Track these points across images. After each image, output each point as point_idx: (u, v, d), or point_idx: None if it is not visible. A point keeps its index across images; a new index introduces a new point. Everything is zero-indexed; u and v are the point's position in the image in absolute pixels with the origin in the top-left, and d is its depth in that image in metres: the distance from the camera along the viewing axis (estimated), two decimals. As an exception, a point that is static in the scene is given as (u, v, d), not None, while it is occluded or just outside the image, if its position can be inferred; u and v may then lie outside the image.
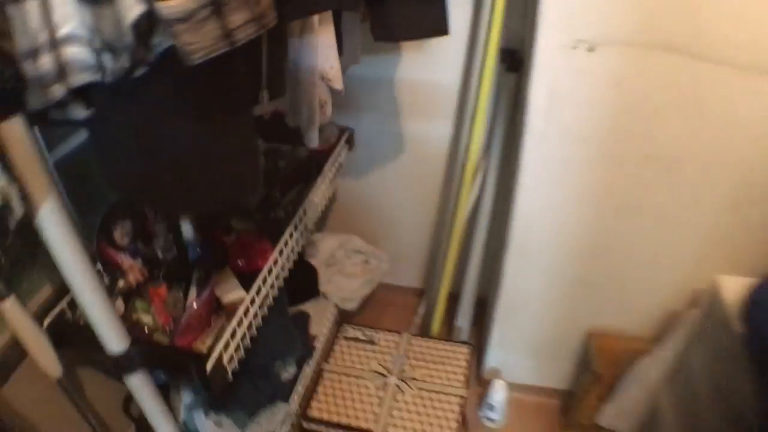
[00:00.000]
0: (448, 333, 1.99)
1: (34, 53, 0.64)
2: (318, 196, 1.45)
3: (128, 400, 1.41)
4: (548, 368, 1.83)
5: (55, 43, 0.65)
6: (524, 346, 1.80)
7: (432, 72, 1.66)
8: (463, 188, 1.67)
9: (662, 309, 1.57)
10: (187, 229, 1.25)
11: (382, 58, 1.67)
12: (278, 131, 1.42)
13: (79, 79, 0.67)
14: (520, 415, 1.86)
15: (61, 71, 0.66)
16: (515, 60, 1.48)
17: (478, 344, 1.95)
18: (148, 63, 0.63)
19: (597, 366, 1.65)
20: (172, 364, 1.04)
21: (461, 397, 1.61)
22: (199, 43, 0.55)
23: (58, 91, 0.67)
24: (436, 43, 1.58)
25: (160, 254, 1.24)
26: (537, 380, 1.87)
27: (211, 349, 1.01)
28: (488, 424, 1.82)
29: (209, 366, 0.97)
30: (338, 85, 1.01)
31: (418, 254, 2.15)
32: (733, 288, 1.19)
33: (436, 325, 1.94)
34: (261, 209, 1.37)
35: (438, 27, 1.07)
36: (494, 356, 1.85)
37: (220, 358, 1.01)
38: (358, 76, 1.65)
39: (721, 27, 1.14)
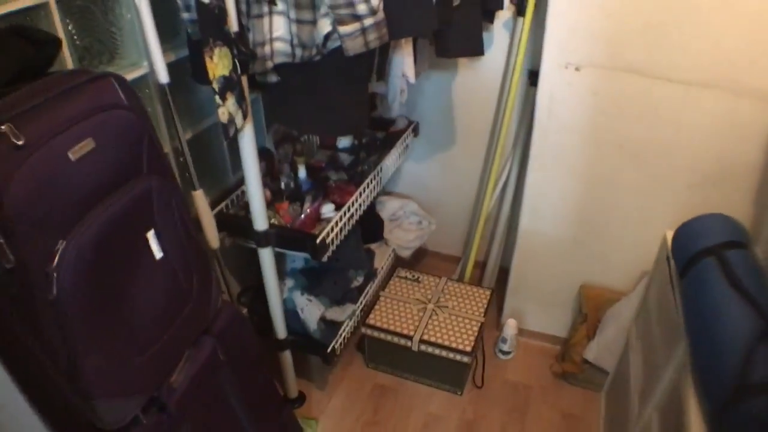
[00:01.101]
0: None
1: (262, 44, 1.28)
2: (390, 161, 2.06)
3: (241, 293, 2.02)
4: (551, 316, 2.32)
5: (271, 40, 1.28)
6: (532, 296, 2.30)
7: (478, 86, 2.24)
8: (493, 172, 2.24)
9: (636, 266, 2.04)
10: (302, 171, 1.89)
11: (444, 76, 2.27)
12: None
13: (279, 60, 1.31)
14: (526, 353, 2.36)
15: (271, 55, 1.30)
16: (535, 77, 2.03)
17: (498, 300, 2.46)
18: (322, 54, 1.26)
19: (585, 308, 2.15)
20: (294, 241, 1.64)
21: (480, 321, 2.15)
22: (353, 47, 1.17)
23: (268, 64, 1.30)
24: (482, 65, 2.16)
25: (283, 186, 1.87)
26: (542, 327, 2.37)
27: (318, 233, 1.62)
28: (501, 356, 2.33)
29: (318, 241, 1.59)
30: (412, 80, 1.62)
31: (458, 228, 2.69)
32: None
33: (468, 276, 2.49)
34: (351, 165, 1.99)
35: (477, 50, 1.67)
36: (510, 304, 2.36)
37: (323, 239, 1.61)
38: (428, 87, 2.26)
39: (671, 54, 1.66)
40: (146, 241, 1.09)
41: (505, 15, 2.04)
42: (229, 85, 1.26)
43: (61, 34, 1.26)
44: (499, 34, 2.09)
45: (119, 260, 1.03)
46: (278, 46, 1.29)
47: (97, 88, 1.06)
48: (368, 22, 1.15)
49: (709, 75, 1.66)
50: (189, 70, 1.56)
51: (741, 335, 0.99)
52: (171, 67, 1.49)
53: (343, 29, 1.16)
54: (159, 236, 1.11)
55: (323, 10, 1.19)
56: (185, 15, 1.38)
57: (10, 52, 1.05)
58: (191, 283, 1.24)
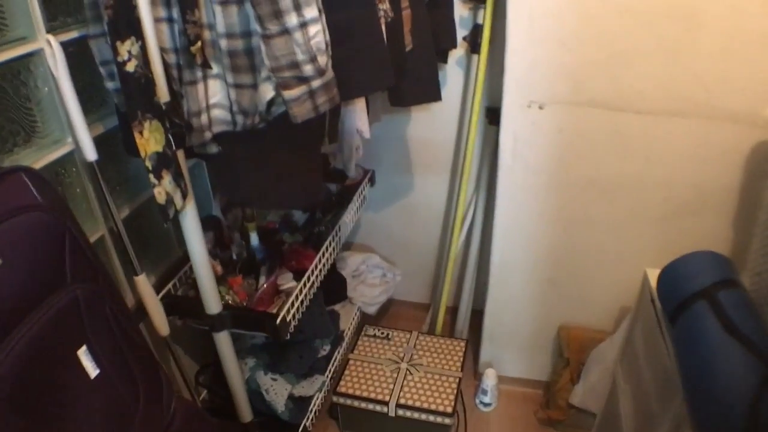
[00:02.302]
0: (450, 335, 2.40)
1: (197, 113, 1.13)
2: (348, 218, 1.92)
3: (199, 372, 1.85)
4: (531, 361, 2.21)
5: (208, 108, 1.14)
6: (510, 341, 2.19)
7: (435, 126, 2.14)
8: (458, 214, 2.13)
9: (616, 303, 1.96)
10: (254, 238, 1.73)
11: (397, 118, 2.16)
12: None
13: (218, 129, 1.17)
14: (509, 402, 2.24)
15: (209, 124, 1.15)
16: (494, 115, 1.94)
17: (474, 346, 2.34)
18: (266, 121, 1.12)
19: (566, 352, 2.05)
20: (252, 321, 1.48)
21: (457, 377, 2.02)
22: (300, 112, 1.04)
23: (207, 135, 1.16)
24: (437, 105, 2.02)
25: (234, 256, 1.72)
26: (522, 373, 2.26)
27: (278, 311, 1.47)
28: (482, 408, 2.20)
29: (278, 321, 1.43)
30: (367, 135, 1.49)
31: (425, 274, 2.58)
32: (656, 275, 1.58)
33: (439, 327, 2.36)
34: (307, 226, 1.85)
35: (434, 96, 1.56)
36: (486, 352, 2.24)
37: (284, 318, 1.46)
38: (381, 132, 2.14)
39: (636, 85, 1.58)
40: (78, 359, 0.92)
41: (458, 52, 1.95)
42: (163, 162, 1.11)
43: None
44: (452, 71, 2.00)
45: (46, 387, 0.87)
46: (216, 113, 1.15)
47: (4, 188, 0.90)
48: (316, 83, 1.02)
49: (678, 102, 1.59)
50: (120, 141, 1.41)
51: (744, 383, 0.93)
52: (99, 140, 1.34)
53: (288, 94, 1.02)
54: (93, 351, 0.94)
55: (264, 73, 1.05)
56: (110, 84, 1.23)
57: None
58: (137, 394, 1.07)
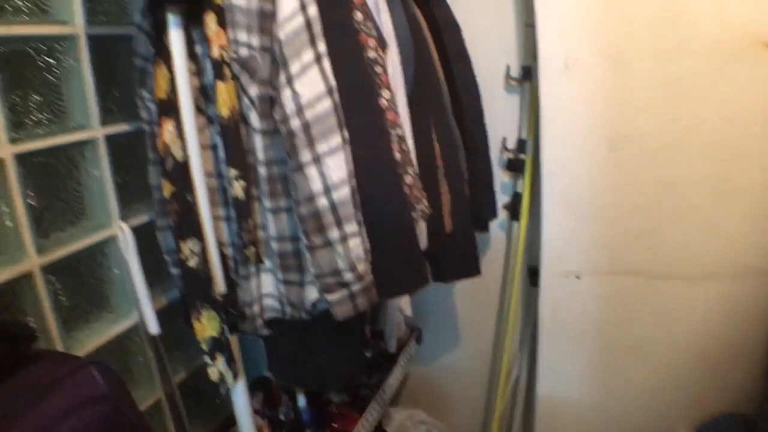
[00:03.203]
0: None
1: (250, 303, 1.23)
2: (393, 379, 1.95)
3: None
4: None
5: (260, 297, 1.24)
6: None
7: (477, 287, 2.09)
8: (502, 373, 2.13)
9: None
10: (301, 400, 1.79)
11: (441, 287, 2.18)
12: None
13: (269, 315, 1.26)
14: None
15: (261, 312, 1.25)
16: (535, 276, 1.98)
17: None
18: (310, 314, 1.21)
19: None
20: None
21: None
22: (341, 312, 1.13)
23: (258, 322, 1.25)
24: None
25: (282, 416, 1.77)
26: None
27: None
28: None
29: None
30: (409, 313, 1.57)
31: (471, 425, 2.52)
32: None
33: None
34: (353, 388, 1.89)
35: (473, 272, 1.63)
36: None
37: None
38: (426, 292, 2.19)
39: (668, 252, 1.62)
40: None
41: (499, 217, 2.04)
42: (218, 346, 1.20)
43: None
44: (495, 233, 2.09)
45: None
46: (268, 302, 1.25)
47: (76, 381, 1.00)
48: (356, 287, 1.11)
49: (711, 265, 1.62)
50: (180, 311, 1.52)
51: None
52: (162, 312, 1.46)
53: (330, 297, 1.12)
54: None
55: (310, 277, 1.16)
56: (173, 270, 1.36)
57: (-19, 349, 1.00)
58: None
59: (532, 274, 2.03)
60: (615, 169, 1.65)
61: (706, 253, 1.62)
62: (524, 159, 1.91)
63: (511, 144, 1.97)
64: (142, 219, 1.48)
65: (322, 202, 1.06)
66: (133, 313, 1.47)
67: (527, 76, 1.90)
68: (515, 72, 1.94)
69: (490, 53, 1.92)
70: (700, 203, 1.58)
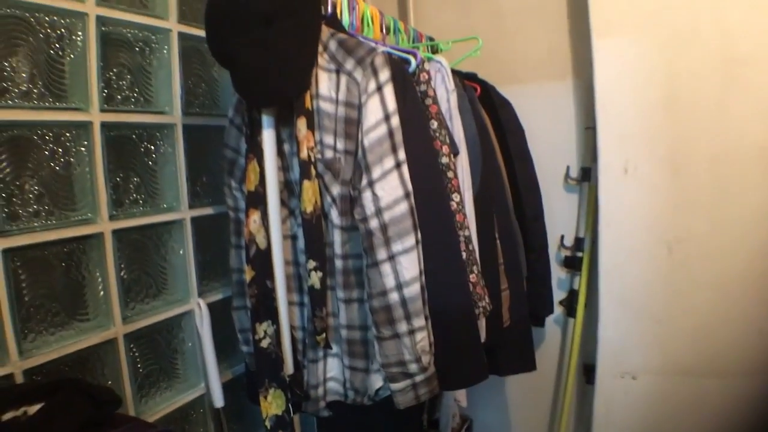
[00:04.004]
0: None
1: (315, 386, 1.29)
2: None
3: None
4: None
5: (324, 381, 1.30)
6: None
7: (532, 382, 2.11)
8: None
9: None
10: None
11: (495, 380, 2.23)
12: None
13: (331, 398, 1.32)
14: None
15: (324, 395, 1.31)
16: (590, 373, 1.99)
17: None
18: (372, 400, 1.26)
19: None
20: None
21: None
22: (404, 401, 1.18)
23: (321, 404, 1.31)
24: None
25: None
26: None
27: None
28: None
29: None
30: (464, 404, 1.60)
31: None
32: None
33: None
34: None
35: (529, 367, 1.65)
36: None
37: None
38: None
39: (717, 350, 1.65)
40: None
41: (555, 312, 2.06)
42: (281, 424, 1.25)
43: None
44: (550, 328, 2.11)
45: None
46: (331, 385, 1.31)
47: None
48: (419, 378, 1.17)
49: (759, 362, 1.63)
50: (244, 386, 1.58)
51: None
52: (226, 386, 1.53)
53: (395, 386, 1.17)
54: None
55: (376, 365, 1.22)
56: (244, 348, 1.44)
57: (72, 411, 1.08)
58: None
59: (587, 371, 2.03)
60: (671, 270, 1.69)
61: (754, 350, 1.63)
62: (581, 257, 1.96)
63: (569, 241, 2.03)
64: (216, 296, 1.57)
65: (394, 296, 1.13)
66: (201, 385, 1.54)
67: (586, 176, 1.97)
68: (574, 172, 2.01)
69: (550, 154, 2.01)
70: (748, 304, 1.62)
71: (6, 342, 1.12)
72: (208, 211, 1.56)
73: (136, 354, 1.41)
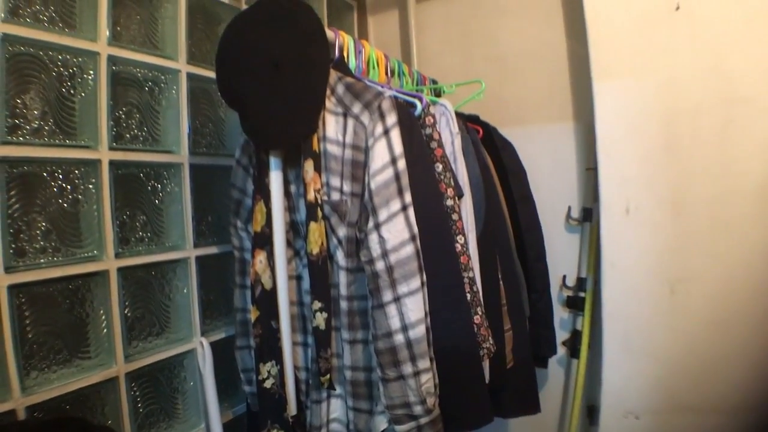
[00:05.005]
0: None
1: (318, 427, 1.28)
2: None
3: None
4: None
5: (328, 422, 1.29)
6: None
7: (536, 421, 2.10)
8: None
9: None
10: None
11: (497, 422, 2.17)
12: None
13: (335, 446, 1.30)
14: None
15: (329, 441, 1.30)
16: (594, 414, 1.96)
17: None
18: (375, 442, 1.26)
19: None
20: None
21: None
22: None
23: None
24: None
25: None
26: None
27: None
28: None
29: None
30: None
31: None
32: None
33: None
34: None
35: (532, 409, 1.63)
36: None
37: None
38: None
39: (717, 388, 1.63)
40: None
41: (558, 353, 2.06)
42: (283, 467, 1.24)
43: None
44: (553, 370, 2.09)
45: None
46: (334, 427, 1.29)
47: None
48: (424, 420, 1.16)
49: (758, 398, 1.61)
50: (246, 426, 1.57)
51: None
52: (226, 426, 1.51)
53: (399, 428, 1.16)
54: None
55: (380, 407, 1.22)
56: (246, 388, 1.43)
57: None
58: None
59: (591, 413, 2.01)
60: (673, 310, 1.69)
61: (755, 386, 1.62)
62: (584, 296, 1.96)
63: (571, 281, 2.03)
64: (219, 335, 1.57)
65: (399, 338, 1.13)
66: (201, 426, 1.53)
67: (587, 216, 1.99)
68: (576, 213, 2.03)
69: (552, 194, 2.03)
70: (749, 341, 1.61)
71: (9, 378, 1.12)
72: (212, 250, 1.57)
73: (137, 393, 1.40)
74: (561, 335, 2.04)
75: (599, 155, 1.74)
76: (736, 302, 1.63)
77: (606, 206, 1.74)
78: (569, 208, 2.03)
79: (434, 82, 1.88)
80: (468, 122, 1.70)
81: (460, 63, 2.22)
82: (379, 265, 1.14)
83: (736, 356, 1.62)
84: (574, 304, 2.00)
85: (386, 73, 1.56)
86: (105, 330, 1.32)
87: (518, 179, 1.82)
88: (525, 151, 1.91)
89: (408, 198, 1.15)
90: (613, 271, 1.74)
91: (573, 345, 1.98)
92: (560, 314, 2.06)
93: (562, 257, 2.04)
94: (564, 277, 2.04)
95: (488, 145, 1.74)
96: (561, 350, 2.04)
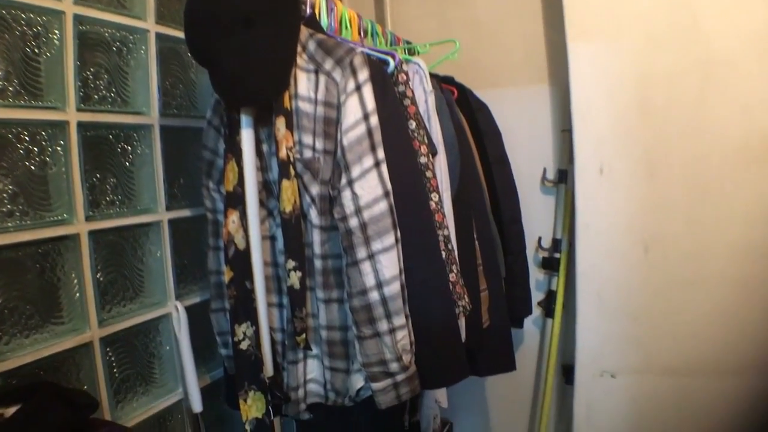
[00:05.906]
0: None
1: (296, 387, 1.29)
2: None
3: None
4: None
5: (305, 382, 1.30)
6: None
7: (511, 383, 2.15)
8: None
9: None
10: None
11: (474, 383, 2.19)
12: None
13: (312, 400, 1.31)
14: None
15: (305, 396, 1.30)
16: (569, 374, 1.99)
17: None
18: (353, 400, 1.26)
19: None
20: None
21: None
22: (385, 400, 1.18)
23: (301, 407, 1.30)
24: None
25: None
26: None
27: None
28: None
29: None
30: (445, 404, 1.60)
31: None
32: None
33: None
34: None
35: (508, 367, 1.66)
36: None
37: None
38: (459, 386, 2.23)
39: (698, 348, 1.68)
40: None
41: (534, 313, 2.08)
42: (261, 427, 1.24)
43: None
44: (529, 329, 2.12)
45: None
46: (312, 387, 1.30)
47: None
48: (400, 377, 1.16)
49: (738, 361, 1.66)
50: (222, 392, 1.57)
51: None
52: (204, 391, 1.51)
53: (376, 385, 1.17)
54: None
55: (356, 365, 1.22)
56: (223, 351, 1.43)
57: (48, 415, 1.06)
58: None
59: (567, 372, 2.04)
60: (648, 270, 1.72)
61: (734, 349, 1.66)
62: (559, 258, 1.98)
63: (546, 243, 2.05)
64: (194, 299, 1.56)
65: (374, 295, 1.13)
66: (178, 390, 1.52)
67: (563, 178, 2.00)
68: (551, 174, 2.04)
69: (527, 156, 2.04)
70: (727, 302, 1.65)
71: (-21, 344, 1.10)
72: (185, 213, 1.55)
73: (113, 358, 1.39)
74: (537, 296, 2.06)
75: (574, 116, 1.75)
76: (712, 262, 1.66)
77: (580, 167, 1.75)
78: (544, 170, 2.04)
79: (408, 43, 1.86)
80: (442, 83, 1.68)
81: (435, 27, 2.20)
82: (353, 222, 1.13)
83: (715, 318, 1.66)
84: (549, 265, 2.03)
85: (359, 33, 1.54)
86: (77, 295, 1.30)
87: (493, 141, 1.82)
88: (500, 114, 1.91)
89: (381, 154, 1.14)
90: (588, 231, 1.76)
91: (548, 305, 2.00)
92: (536, 275, 2.08)
93: (537, 219, 2.05)
94: (539, 238, 2.05)
95: (463, 106, 1.74)
96: (537, 311, 2.07)
